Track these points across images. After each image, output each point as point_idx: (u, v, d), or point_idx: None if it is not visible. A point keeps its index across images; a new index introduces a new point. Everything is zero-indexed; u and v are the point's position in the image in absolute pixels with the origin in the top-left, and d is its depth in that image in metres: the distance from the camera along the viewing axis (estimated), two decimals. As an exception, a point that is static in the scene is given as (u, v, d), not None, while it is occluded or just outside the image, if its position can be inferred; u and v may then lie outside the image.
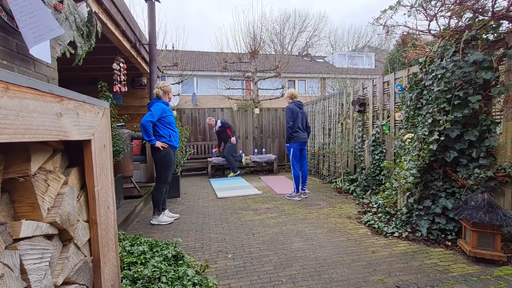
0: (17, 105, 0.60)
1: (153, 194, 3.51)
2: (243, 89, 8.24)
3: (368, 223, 3.22)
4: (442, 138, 2.74)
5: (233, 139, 6.94)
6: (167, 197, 4.82)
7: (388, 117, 4.27)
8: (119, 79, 3.82)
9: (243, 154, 7.66)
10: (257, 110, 8.15)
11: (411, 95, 3.31)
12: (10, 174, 0.67)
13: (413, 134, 3.27)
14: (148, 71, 4.99)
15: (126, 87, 3.94)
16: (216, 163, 7.22)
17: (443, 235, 2.71)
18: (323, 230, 3.12)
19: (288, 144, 4.55)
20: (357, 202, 4.25)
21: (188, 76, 10.77)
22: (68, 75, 4.99)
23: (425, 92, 3.07)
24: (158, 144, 3.29)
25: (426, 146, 2.88)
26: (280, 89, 8.45)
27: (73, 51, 2.12)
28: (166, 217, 3.57)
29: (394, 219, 3.17)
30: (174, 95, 10.81)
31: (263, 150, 7.83)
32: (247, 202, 4.49)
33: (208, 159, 7.25)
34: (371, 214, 3.47)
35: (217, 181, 6.50)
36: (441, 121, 2.77)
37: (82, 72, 5.09)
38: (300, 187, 4.61)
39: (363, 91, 4.95)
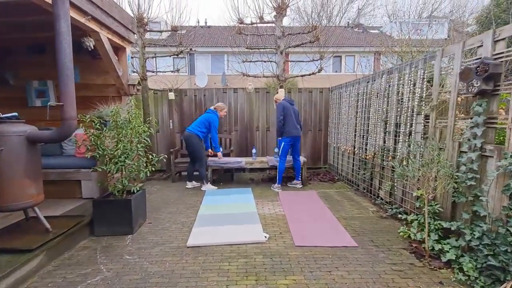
0: None
1: (200, 171, 4.74)
2: (263, 61, 5.88)
3: None
4: None
5: None
6: (109, 234, 2.98)
7: None
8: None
9: (255, 153, 5.42)
10: (281, 92, 5.74)
11: None
12: None
13: None
14: (93, 28, 3.07)
15: None
16: (219, 165, 5.16)
17: None
18: None
19: (280, 138, 4.67)
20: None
21: (195, 52, 8.56)
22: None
23: None
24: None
25: None
26: (318, 61, 5.86)
27: None
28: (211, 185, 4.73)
29: None
30: (172, 72, 8.89)
31: (287, 149, 5.50)
32: (230, 272, 2.32)
33: (210, 159, 5.18)
34: None
35: (213, 195, 4.45)
36: None
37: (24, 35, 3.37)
38: (295, 178, 4.87)
39: (493, 49, 2.27)
